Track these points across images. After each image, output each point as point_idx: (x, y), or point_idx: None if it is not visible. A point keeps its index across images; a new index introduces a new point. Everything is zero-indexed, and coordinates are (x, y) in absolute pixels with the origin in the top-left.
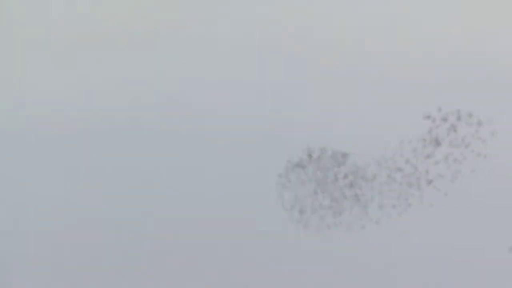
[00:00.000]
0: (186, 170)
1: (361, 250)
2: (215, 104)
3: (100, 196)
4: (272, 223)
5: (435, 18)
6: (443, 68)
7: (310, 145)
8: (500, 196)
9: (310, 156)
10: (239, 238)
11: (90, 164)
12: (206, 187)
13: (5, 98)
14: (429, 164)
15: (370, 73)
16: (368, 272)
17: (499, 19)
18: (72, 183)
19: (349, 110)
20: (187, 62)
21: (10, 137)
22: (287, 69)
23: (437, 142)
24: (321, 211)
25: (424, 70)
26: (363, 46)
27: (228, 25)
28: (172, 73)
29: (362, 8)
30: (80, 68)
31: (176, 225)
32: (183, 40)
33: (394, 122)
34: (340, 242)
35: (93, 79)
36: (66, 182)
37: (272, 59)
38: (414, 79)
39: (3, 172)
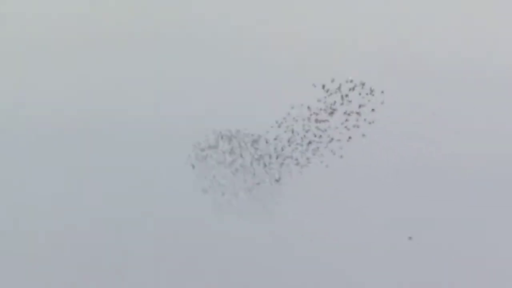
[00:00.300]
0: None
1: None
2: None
3: (100, 195)
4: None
5: None
6: (338, 42)
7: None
8: (388, 158)
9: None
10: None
11: (87, 164)
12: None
13: (4, 98)
14: (326, 129)
15: (270, 50)
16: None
17: None
18: (70, 183)
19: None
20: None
21: (10, 137)
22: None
23: (332, 110)
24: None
25: (320, 44)
26: (266, 26)
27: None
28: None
29: None
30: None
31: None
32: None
33: (294, 91)
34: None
35: (89, 80)
36: (65, 182)
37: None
38: (309, 52)
39: (2, 171)
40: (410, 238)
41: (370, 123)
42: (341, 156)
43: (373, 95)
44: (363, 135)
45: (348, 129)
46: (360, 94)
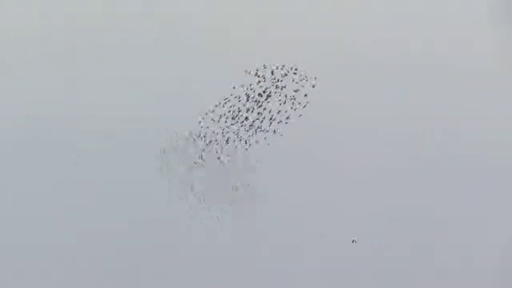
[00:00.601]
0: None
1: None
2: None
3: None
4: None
5: None
6: (276, 29)
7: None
8: (322, 136)
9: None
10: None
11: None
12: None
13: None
14: (266, 111)
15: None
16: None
17: None
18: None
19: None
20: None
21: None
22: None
23: (268, 94)
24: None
25: (257, 31)
26: (203, 20)
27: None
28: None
29: None
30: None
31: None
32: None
33: (235, 77)
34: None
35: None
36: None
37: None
38: (247, 40)
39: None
40: (354, 241)
41: (304, 106)
42: (281, 135)
43: (306, 80)
44: (300, 115)
45: (286, 111)
46: (293, 80)
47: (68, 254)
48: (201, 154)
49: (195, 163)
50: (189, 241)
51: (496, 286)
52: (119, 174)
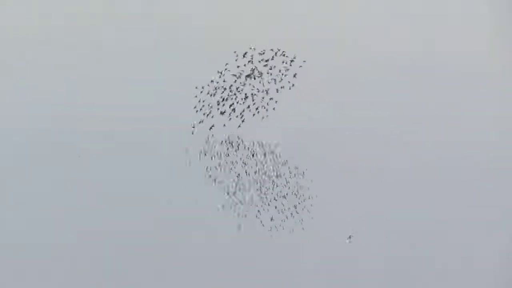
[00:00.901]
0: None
1: None
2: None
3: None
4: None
5: None
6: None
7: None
8: (307, 112)
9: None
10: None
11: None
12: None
13: None
14: (253, 88)
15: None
16: None
17: None
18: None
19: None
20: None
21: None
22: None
23: (260, 73)
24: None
25: (257, 31)
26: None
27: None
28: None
29: None
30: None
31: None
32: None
33: (225, 58)
34: None
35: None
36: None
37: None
38: (247, 40)
39: None
40: (349, 238)
41: (293, 85)
42: (274, 109)
43: (293, 61)
44: (293, 84)
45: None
46: (284, 62)
47: (69, 253)
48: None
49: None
50: (189, 241)
51: (496, 286)
52: (119, 174)
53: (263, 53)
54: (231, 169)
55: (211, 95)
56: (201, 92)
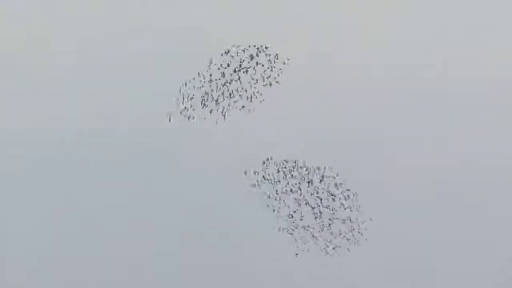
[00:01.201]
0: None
1: None
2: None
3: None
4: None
5: None
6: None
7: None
8: (293, 107)
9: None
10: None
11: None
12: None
13: None
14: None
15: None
16: None
17: None
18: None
19: None
20: None
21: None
22: None
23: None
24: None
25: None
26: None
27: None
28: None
29: None
30: None
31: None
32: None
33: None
34: None
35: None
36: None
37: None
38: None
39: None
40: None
41: (277, 82)
42: (261, 101)
43: (277, 58)
44: (277, 82)
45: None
46: (269, 60)
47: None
48: None
49: None
50: (190, 242)
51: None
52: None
53: (247, 50)
54: (288, 192)
55: (196, 88)
56: (186, 85)
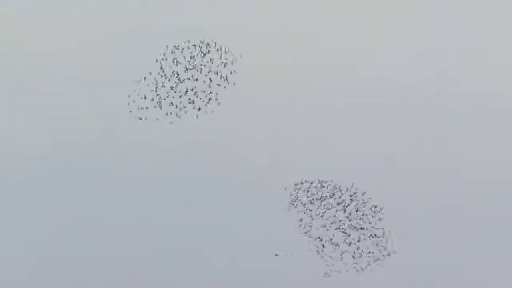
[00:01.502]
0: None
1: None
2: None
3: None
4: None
5: None
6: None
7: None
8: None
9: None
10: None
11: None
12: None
13: None
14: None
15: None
16: None
17: None
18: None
19: None
20: None
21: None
22: None
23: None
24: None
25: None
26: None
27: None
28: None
29: None
30: None
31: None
32: None
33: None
34: None
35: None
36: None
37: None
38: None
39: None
40: (276, 255)
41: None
42: (219, 103)
43: (231, 53)
44: (234, 83)
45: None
46: (221, 57)
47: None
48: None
49: None
50: (190, 243)
51: None
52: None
53: (199, 46)
54: (320, 215)
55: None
56: (141, 82)
